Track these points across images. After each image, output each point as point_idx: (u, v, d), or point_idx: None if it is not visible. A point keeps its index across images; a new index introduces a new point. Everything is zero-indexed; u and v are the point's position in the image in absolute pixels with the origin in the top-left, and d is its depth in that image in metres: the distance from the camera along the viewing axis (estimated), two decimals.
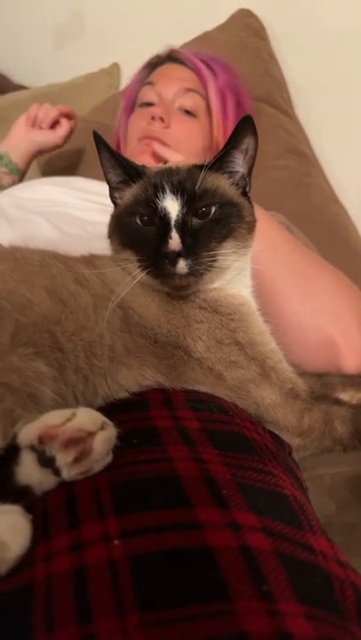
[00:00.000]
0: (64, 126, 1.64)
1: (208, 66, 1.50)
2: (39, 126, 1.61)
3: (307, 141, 1.78)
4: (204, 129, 1.45)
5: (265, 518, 0.50)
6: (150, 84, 1.49)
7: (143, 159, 1.30)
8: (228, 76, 1.53)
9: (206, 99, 1.48)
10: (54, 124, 1.64)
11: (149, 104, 1.46)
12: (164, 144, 1.33)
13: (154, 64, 1.57)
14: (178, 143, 1.33)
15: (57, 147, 1.66)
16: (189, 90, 1.46)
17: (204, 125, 1.46)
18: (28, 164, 1.65)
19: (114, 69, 2.29)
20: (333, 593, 0.47)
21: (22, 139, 1.61)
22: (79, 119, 1.77)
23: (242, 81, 1.58)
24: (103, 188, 0.84)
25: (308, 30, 1.75)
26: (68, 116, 1.66)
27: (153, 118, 1.39)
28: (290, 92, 1.82)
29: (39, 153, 1.66)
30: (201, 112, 1.47)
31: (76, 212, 1.22)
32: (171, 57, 1.55)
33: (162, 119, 1.38)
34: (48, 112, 1.63)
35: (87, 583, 0.42)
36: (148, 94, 1.48)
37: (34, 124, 1.62)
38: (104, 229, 0.84)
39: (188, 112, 1.44)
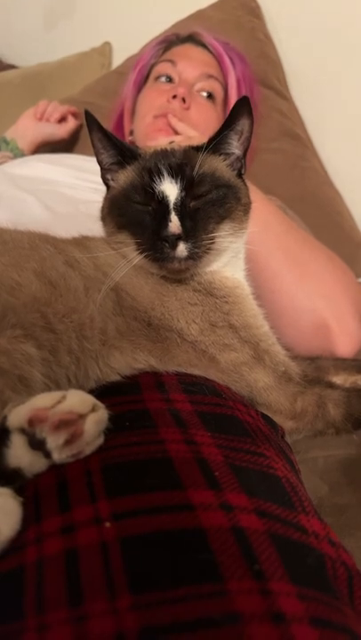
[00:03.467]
0: (70, 122, 1.75)
1: (227, 54, 1.49)
2: (47, 119, 1.70)
3: (302, 124, 1.76)
4: (218, 116, 1.45)
5: (257, 499, 0.50)
6: (171, 61, 1.47)
7: (159, 137, 1.29)
8: (243, 66, 1.54)
9: (225, 88, 1.48)
10: (61, 120, 1.73)
11: (169, 78, 1.45)
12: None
13: (171, 42, 1.56)
14: (195, 126, 1.32)
15: (62, 139, 1.73)
16: (211, 76, 1.46)
17: (219, 113, 1.46)
18: (33, 152, 1.68)
19: (105, 48, 2.25)
20: (325, 572, 0.47)
21: (29, 127, 1.68)
22: (70, 100, 1.79)
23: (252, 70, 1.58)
24: (96, 166, 0.83)
25: (304, 10, 1.72)
26: (75, 116, 1.76)
27: (174, 97, 1.37)
28: (285, 74, 1.79)
29: (44, 144, 1.71)
30: (218, 100, 1.47)
31: (68, 191, 1.21)
32: (191, 38, 1.53)
33: (183, 100, 1.37)
34: (56, 108, 1.72)
35: (78, 565, 0.42)
36: (167, 71, 1.47)
37: (42, 116, 1.70)
38: (96, 209, 0.82)
39: (208, 96, 1.44)
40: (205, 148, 0.74)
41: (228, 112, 1.43)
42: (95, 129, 0.76)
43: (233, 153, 0.78)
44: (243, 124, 0.76)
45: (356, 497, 0.95)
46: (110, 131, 0.76)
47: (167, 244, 0.68)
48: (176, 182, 0.71)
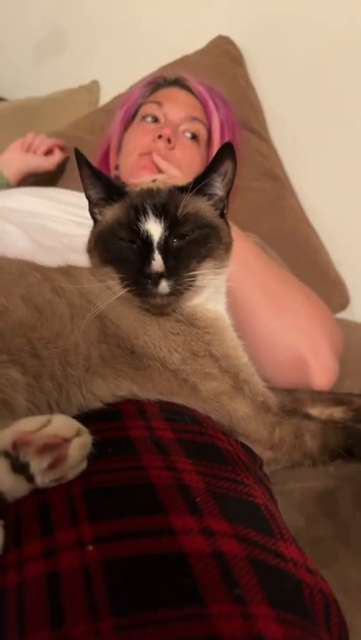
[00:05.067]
0: (57, 155, 1.77)
1: (212, 98, 1.55)
2: (33, 151, 1.73)
3: (281, 165, 1.84)
4: (202, 157, 1.50)
5: (237, 525, 0.51)
6: (157, 103, 1.52)
7: (143, 174, 1.32)
8: (227, 110, 1.60)
9: (208, 130, 1.54)
10: (48, 153, 1.76)
11: (155, 119, 1.50)
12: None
13: (158, 84, 1.62)
14: (178, 166, 1.36)
15: (47, 172, 1.76)
16: (195, 119, 1.51)
17: (202, 154, 1.50)
18: (19, 182, 1.70)
19: (93, 86, 2.32)
20: (303, 598, 0.48)
21: (15, 158, 1.70)
22: (58, 133, 1.83)
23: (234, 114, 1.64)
24: (80, 200, 0.85)
25: (284, 58, 1.82)
26: (61, 149, 1.79)
27: (160, 137, 1.41)
28: (265, 117, 1.87)
29: (30, 175, 1.74)
30: (202, 141, 1.52)
31: (53, 224, 1.22)
32: (178, 82, 1.59)
33: (169, 140, 1.41)
34: (43, 140, 1.75)
35: (60, 588, 0.42)
36: (154, 112, 1.52)
37: (29, 148, 1.72)
38: (79, 242, 0.84)
39: (192, 137, 1.49)
40: (190, 189, 0.78)
41: (211, 153, 1.50)
42: (84, 166, 0.79)
43: (216, 194, 0.81)
44: (226, 166, 0.79)
45: (332, 529, 0.95)
46: (96, 164, 0.78)
47: (150, 281, 0.70)
48: (160, 222, 0.73)
